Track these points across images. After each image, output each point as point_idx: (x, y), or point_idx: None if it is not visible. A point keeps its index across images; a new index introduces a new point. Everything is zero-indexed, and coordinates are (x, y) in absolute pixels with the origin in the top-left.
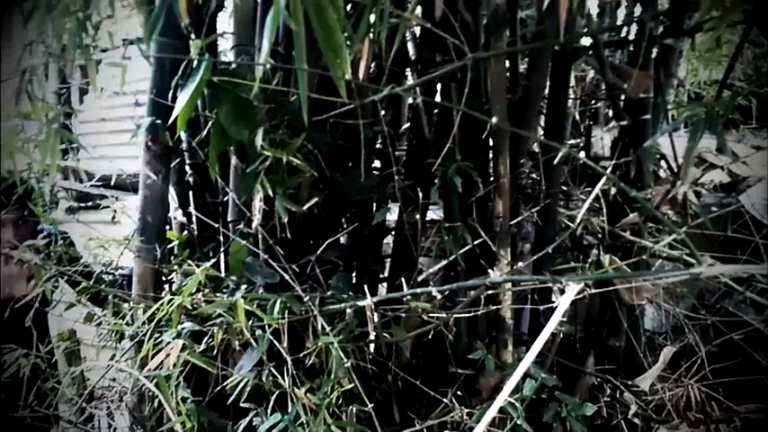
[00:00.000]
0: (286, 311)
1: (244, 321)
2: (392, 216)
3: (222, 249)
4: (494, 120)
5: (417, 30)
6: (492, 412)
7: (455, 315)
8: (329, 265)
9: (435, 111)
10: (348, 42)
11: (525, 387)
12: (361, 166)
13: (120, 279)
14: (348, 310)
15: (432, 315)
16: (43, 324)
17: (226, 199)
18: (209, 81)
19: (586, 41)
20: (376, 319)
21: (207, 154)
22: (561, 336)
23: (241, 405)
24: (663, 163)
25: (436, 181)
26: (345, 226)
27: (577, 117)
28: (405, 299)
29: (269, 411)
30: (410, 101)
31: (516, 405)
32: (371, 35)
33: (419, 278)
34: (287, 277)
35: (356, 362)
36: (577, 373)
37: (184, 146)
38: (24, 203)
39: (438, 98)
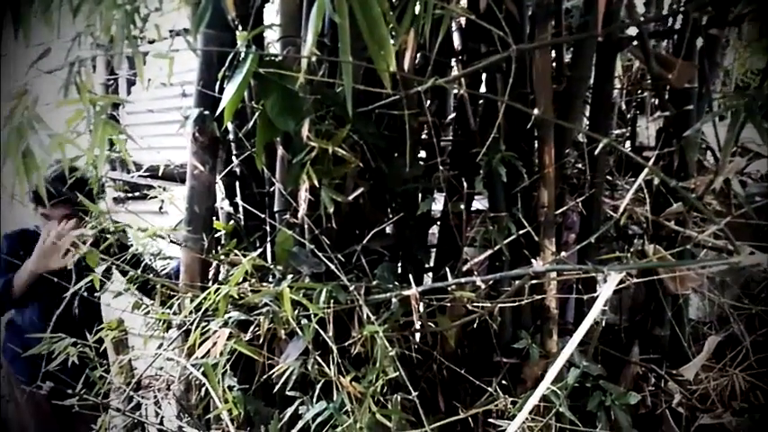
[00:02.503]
0: (332, 301)
1: (290, 310)
2: (437, 206)
3: (268, 239)
4: (535, 111)
5: (463, 20)
6: (534, 400)
7: (500, 304)
8: (375, 255)
9: (480, 101)
10: (393, 33)
11: (569, 375)
12: (406, 157)
13: (171, 271)
14: (393, 300)
15: (476, 304)
16: (96, 313)
17: (272, 189)
18: (256, 72)
19: (632, 31)
20: (421, 309)
21: (253, 145)
22: (606, 325)
23: (287, 393)
24: (708, 153)
25: (481, 171)
26: (391, 216)
27: (623, 107)
28: (450, 288)
29: (314, 400)
30: (455, 91)
31: (559, 393)
32: (416, 26)
33: (464, 268)
34: (333, 267)
35: (401, 351)
36: (622, 362)
37: (231, 137)
38: (74, 198)
39: (483, 89)
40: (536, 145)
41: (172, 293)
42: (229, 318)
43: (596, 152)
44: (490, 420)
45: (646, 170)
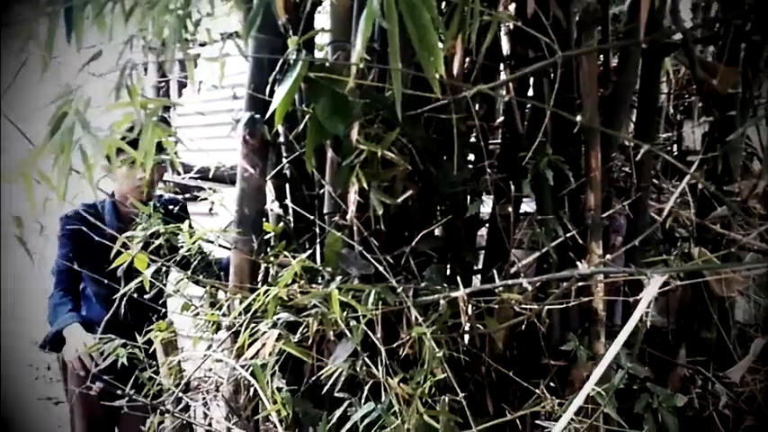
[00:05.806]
0: (380, 302)
1: (339, 312)
2: (485, 209)
3: (318, 241)
4: (578, 118)
5: (511, 25)
6: (579, 401)
7: (548, 306)
8: (423, 257)
9: (528, 105)
10: (441, 39)
11: (616, 377)
12: (454, 160)
13: (215, 265)
14: (442, 302)
15: (524, 306)
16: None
17: (322, 192)
18: (306, 76)
19: (679, 37)
20: (469, 311)
21: (303, 147)
22: (653, 327)
23: (335, 395)
24: (754, 158)
25: (529, 174)
26: (439, 218)
27: (671, 111)
28: (498, 290)
29: (363, 401)
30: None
31: (605, 395)
32: (464, 32)
33: (512, 270)
34: (381, 269)
35: (449, 352)
36: (669, 364)
37: (281, 139)
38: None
39: (531, 92)
40: (583, 149)
41: (221, 288)
42: (278, 319)
43: (639, 156)
44: (538, 422)
45: (688, 176)
